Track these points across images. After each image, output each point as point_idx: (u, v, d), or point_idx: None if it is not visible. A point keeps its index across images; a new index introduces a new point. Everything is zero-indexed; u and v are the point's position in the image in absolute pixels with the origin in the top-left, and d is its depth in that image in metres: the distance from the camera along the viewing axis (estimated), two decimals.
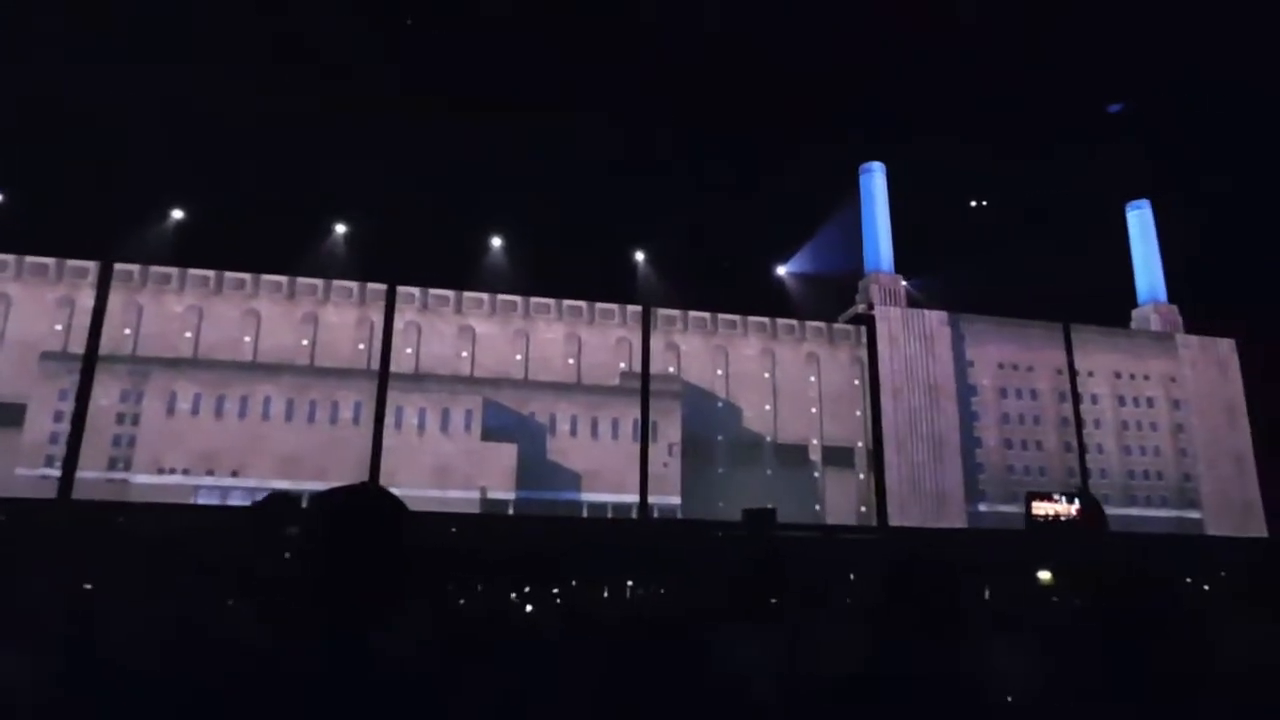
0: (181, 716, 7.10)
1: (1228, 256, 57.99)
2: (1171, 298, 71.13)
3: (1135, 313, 71.74)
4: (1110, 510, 63.15)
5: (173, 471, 53.51)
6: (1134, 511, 63.91)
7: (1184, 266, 68.10)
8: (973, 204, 64.51)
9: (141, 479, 53.06)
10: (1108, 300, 68.57)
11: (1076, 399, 66.75)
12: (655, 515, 57.27)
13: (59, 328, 55.17)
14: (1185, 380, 68.30)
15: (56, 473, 52.46)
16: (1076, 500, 57.50)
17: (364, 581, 6.33)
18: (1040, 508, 56.65)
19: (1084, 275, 60.82)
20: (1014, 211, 61.02)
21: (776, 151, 57.98)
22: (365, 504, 5.89)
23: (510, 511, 55.83)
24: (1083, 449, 65.68)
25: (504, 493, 56.05)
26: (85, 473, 52.75)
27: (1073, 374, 67.05)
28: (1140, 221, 72.59)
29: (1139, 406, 67.80)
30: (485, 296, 60.26)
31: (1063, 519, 55.94)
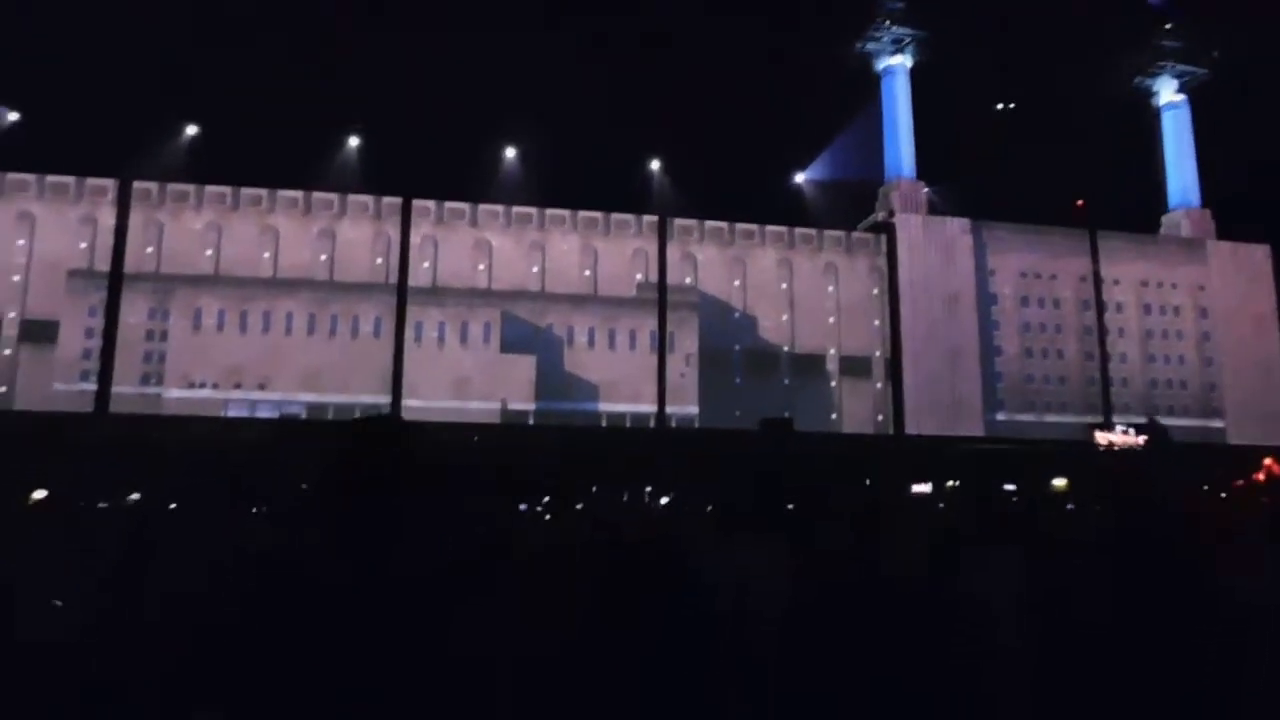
0: (223, 622, 7.65)
1: (1267, 158, 56.20)
2: (1205, 202, 69.52)
3: (1165, 218, 70.23)
4: (1131, 419, 63.27)
5: (202, 386, 54.70)
6: (1156, 421, 63.85)
7: (1219, 169, 66.25)
8: (999, 107, 62.79)
9: (174, 394, 54.33)
10: (1136, 206, 67.14)
11: (1100, 307, 66.10)
12: (673, 425, 58.04)
13: (83, 246, 55.81)
14: (1214, 288, 67.26)
15: (92, 387, 53.83)
16: (1141, 430, 54.80)
17: (374, 499, 6.70)
18: (1104, 437, 55.44)
19: (1112, 180, 59.53)
20: (1042, 115, 59.37)
21: (795, 53, 56.50)
22: (373, 429, 6.21)
23: (530, 422, 56.77)
24: (1105, 358, 65.40)
25: (523, 404, 56.92)
26: (119, 388, 54.06)
27: (1097, 282, 66.25)
28: (1175, 122, 70.46)
29: (1165, 315, 67.08)
30: (500, 209, 60.07)
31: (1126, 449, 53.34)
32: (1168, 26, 67.11)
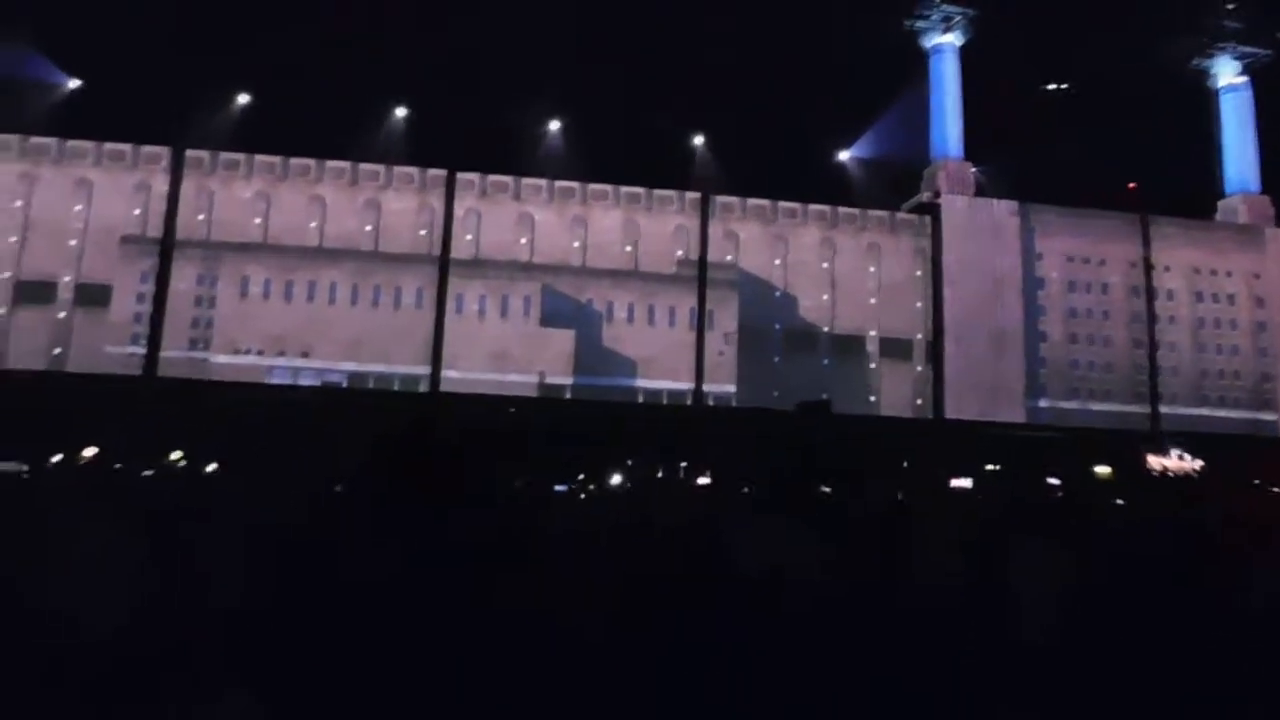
0: (261, 597, 7.92)
1: None
2: (1264, 188, 67.58)
3: (1221, 204, 68.38)
4: (1178, 410, 62.12)
5: (247, 352, 55.78)
6: (1204, 412, 62.59)
7: None
8: (1049, 87, 61.38)
9: (220, 359, 55.48)
10: (1191, 191, 65.44)
11: (1151, 294, 64.67)
12: (710, 403, 58.07)
13: (137, 212, 56.99)
14: (1271, 276, 65.49)
15: (142, 350, 55.17)
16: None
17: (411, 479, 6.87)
18: (1157, 462, 53.44)
19: (1166, 164, 57.98)
20: (1094, 96, 57.94)
21: (843, 30, 55.65)
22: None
23: (567, 396, 57.13)
24: (1153, 345, 64.12)
25: (561, 378, 57.27)
26: (168, 352, 55.32)
27: (1148, 267, 64.80)
28: (1235, 105, 68.37)
29: (1218, 303, 65.50)
30: (544, 183, 60.22)
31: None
32: (1229, 6, 65.06)
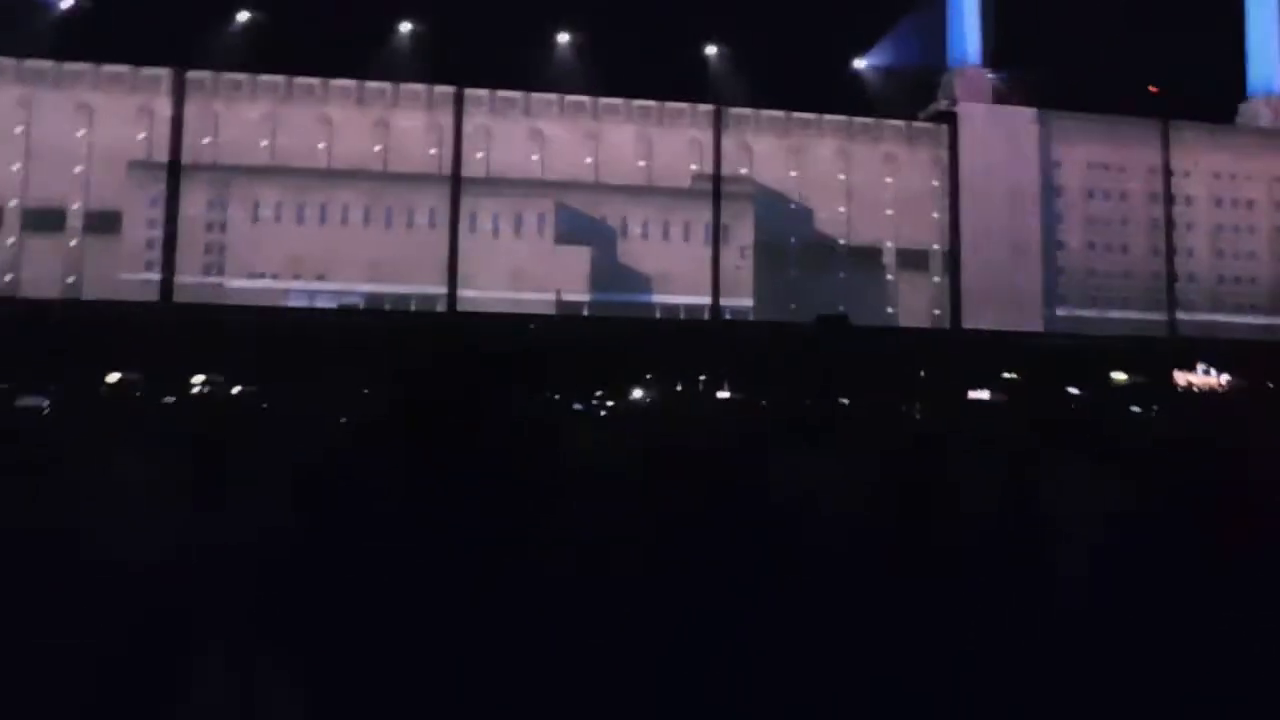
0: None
1: None
2: None
3: (1243, 107, 66.85)
4: (1195, 316, 61.72)
5: (262, 276, 55.75)
6: (1220, 318, 62.17)
7: None
8: None
9: (235, 284, 55.47)
10: (1214, 93, 63.74)
11: (1169, 200, 63.77)
12: (727, 318, 58.01)
13: (142, 136, 56.28)
14: None
15: (156, 276, 55.20)
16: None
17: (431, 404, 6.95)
18: (1183, 378, 53.17)
19: (1189, 66, 56.26)
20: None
21: None
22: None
23: (585, 313, 57.13)
24: (1171, 252, 63.46)
25: (578, 295, 57.19)
26: (183, 277, 55.35)
27: (1166, 174, 63.73)
28: (1259, 2, 66.11)
29: (1238, 208, 64.65)
30: (554, 98, 59.08)
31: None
32: None
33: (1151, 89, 60.52)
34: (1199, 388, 47.13)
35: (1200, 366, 50.26)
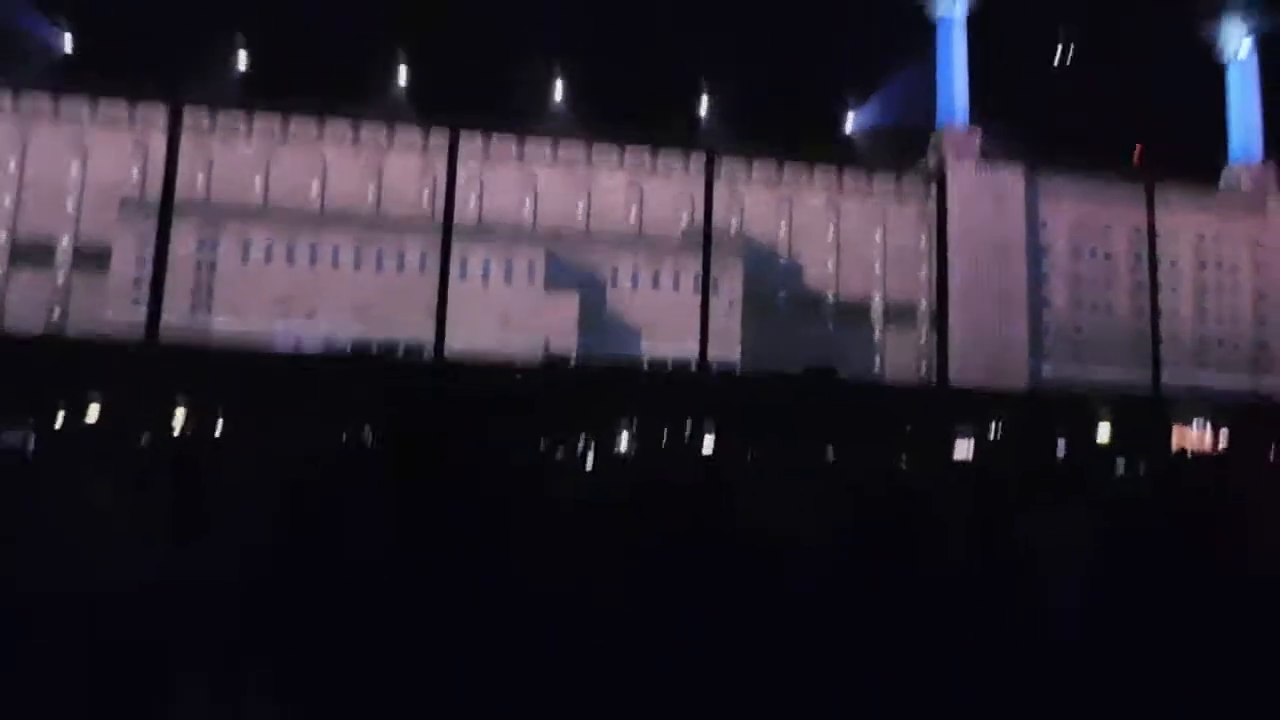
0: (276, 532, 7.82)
1: None
2: (1267, 156, 67.26)
3: (1225, 172, 68.17)
4: (1179, 376, 61.99)
5: (250, 317, 55.47)
6: (1204, 377, 62.52)
7: None
8: (1058, 49, 60.51)
9: (222, 321, 55.19)
10: (1196, 158, 65.02)
11: (1154, 261, 64.47)
12: (714, 370, 57.90)
13: (135, 173, 56.42)
14: (1273, 245, 65.42)
15: (143, 315, 54.81)
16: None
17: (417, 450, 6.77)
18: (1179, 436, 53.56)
19: (1172, 132, 57.41)
20: (1101, 61, 57.22)
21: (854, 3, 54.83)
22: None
23: (572, 363, 56.95)
24: (1155, 312, 64.00)
25: (565, 344, 57.09)
26: (169, 316, 54.98)
27: (1151, 235, 64.32)
28: (1242, 74, 67.80)
29: (1220, 270, 65.51)
30: (548, 143, 59.60)
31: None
32: None
33: (1138, 150, 61.58)
34: (1187, 446, 47.37)
35: (1192, 423, 50.58)
